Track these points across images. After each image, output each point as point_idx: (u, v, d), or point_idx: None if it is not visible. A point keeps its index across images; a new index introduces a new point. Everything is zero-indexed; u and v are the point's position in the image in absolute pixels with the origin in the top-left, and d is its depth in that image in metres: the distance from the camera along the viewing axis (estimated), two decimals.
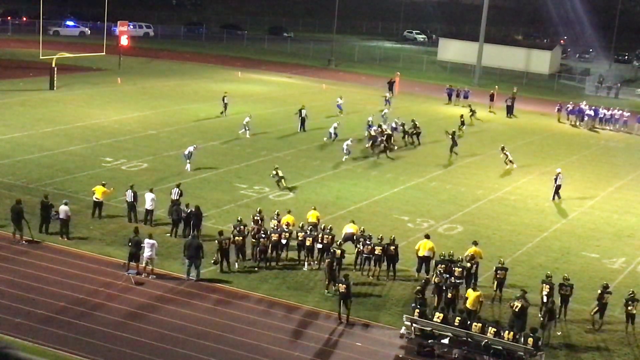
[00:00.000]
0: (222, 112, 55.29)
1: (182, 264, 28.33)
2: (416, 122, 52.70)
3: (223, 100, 55.90)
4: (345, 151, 45.36)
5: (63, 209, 30.37)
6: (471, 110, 60.60)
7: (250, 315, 25.46)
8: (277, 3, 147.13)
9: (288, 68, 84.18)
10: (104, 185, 33.46)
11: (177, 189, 33.34)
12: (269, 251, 29.54)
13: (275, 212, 31.97)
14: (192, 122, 52.13)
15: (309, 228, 30.47)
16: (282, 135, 50.70)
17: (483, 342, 23.68)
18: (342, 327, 25.29)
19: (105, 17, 70.58)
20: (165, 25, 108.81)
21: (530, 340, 23.23)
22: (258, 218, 30.84)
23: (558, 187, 41.30)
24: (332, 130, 50.20)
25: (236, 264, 29.12)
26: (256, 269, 29.19)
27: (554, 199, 41.18)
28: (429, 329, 24.45)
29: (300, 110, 52.89)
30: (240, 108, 58.83)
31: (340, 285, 25.65)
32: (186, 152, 41.17)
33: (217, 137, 48.28)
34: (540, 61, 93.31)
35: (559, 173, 41.61)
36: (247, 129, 49.35)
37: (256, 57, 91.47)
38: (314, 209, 32.71)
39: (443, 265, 27.86)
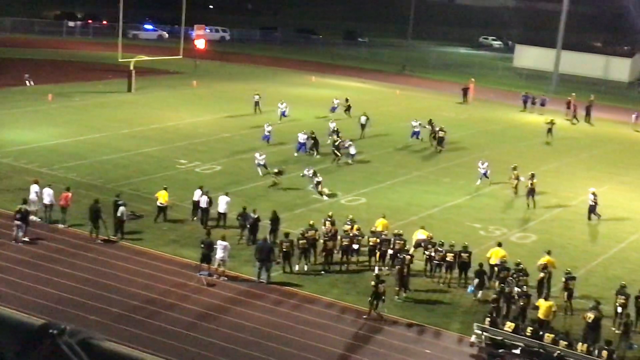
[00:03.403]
0: (255, 111, 55.61)
1: (253, 266, 28.55)
2: (433, 123, 51.46)
3: (254, 99, 56.06)
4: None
5: (121, 210, 30.82)
6: (552, 121, 57.88)
7: (320, 319, 25.52)
8: (352, 8, 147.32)
9: (362, 73, 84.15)
10: (166, 189, 33.54)
11: (205, 197, 32.76)
12: (341, 256, 29.64)
13: (349, 217, 31.93)
14: (265, 126, 52.28)
15: (383, 233, 30.43)
16: (354, 140, 50.50)
17: (555, 354, 23.28)
18: (412, 333, 25.18)
19: (183, 21, 71.54)
20: (241, 29, 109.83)
21: (604, 353, 22.74)
22: (329, 222, 30.92)
23: (592, 208, 38.28)
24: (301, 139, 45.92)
25: (297, 266, 29.20)
26: (322, 272, 29.28)
27: (590, 219, 38.27)
28: (499, 338, 24.18)
29: (360, 117, 52.47)
30: (313, 112, 59.01)
31: (380, 286, 25.74)
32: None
33: (288, 140, 48.42)
34: (620, 69, 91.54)
35: (593, 193, 38.51)
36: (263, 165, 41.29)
37: (330, 61, 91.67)
38: (383, 217, 32.56)
39: (505, 273, 27.62)
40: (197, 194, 33.12)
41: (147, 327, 23.89)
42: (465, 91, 70.42)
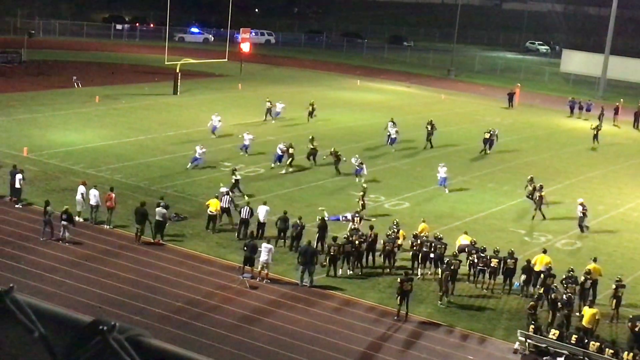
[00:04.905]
0: (265, 118, 54.59)
1: (296, 269, 28.59)
2: (433, 123, 50.70)
3: (265, 105, 54.90)
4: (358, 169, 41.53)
5: (159, 211, 30.84)
6: (597, 127, 57.14)
7: (361, 323, 25.48)
8: (397, 12, 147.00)
9: (407, 77, 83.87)
10: (217, 197, 33.24)
11: (247, 207, 32.12)
12: (383, 260, 29.65)
13: (394, 222, 31.78)
14: (310, 129, 52.39)
15: (429, 238, 30.33)
16: (398, 144, 50.38)
17: None
18: (455, 339, 25.03)
19: (229, 24, 72.01)
20: (286, 32, 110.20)
21: None
22: (372, 225, 30.87)
23: (581, 219, 35.94)
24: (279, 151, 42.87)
25: (340, 270, 29.15)
26: (359, 274, 29.35)
27: (582, 231, 36.04)
28: (543, 345, 23.92)
29: (387, 123, 50.41)
30: (358, 116, 58.99)
31: (405, 283, 25.67)
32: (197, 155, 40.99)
33: (335, 143, 48.40)
34: None
35: (582, 204, 36.24)
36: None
37: (375, 65, 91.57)
38: (424, 221, 32.44)
39: (551, 279, 27.34)
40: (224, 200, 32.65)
41: (190, 328, 24.03)
42: (511, 96, 69.84)
